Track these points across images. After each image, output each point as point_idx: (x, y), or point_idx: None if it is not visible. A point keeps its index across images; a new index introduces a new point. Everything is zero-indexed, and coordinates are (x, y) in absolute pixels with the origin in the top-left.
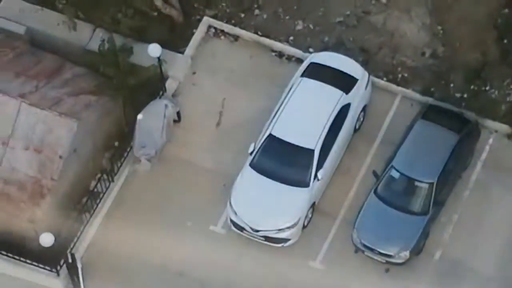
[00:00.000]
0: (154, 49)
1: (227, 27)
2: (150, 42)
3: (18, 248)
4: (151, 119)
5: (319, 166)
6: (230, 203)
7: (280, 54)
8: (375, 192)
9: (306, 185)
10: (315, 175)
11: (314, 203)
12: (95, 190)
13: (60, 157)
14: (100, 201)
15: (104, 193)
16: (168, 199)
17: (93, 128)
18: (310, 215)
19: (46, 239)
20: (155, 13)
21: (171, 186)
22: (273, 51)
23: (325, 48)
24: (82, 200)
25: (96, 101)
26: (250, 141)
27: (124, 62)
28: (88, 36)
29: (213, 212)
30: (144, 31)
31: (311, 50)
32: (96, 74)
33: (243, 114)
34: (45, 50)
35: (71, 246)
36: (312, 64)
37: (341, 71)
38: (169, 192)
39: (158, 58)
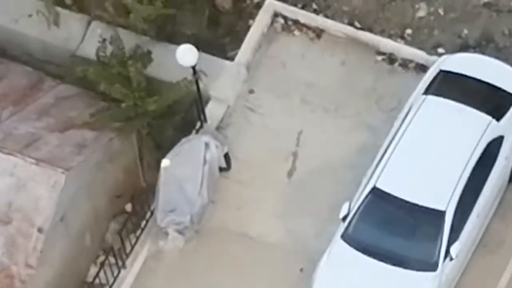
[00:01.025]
0: (187, 54)
1: (304, 16)
2: (179, 42)
3: None
4: (183, 167)
5: (453, 237)
6: None
7: (391, 58)
8: None
9: (433, 267)
10: (447, 252)
11: None
12: (96, 281)
13: (40, 230)
14: None
15: (110, 287)
16: None
17: (91, 183)
18: None
19: None
20: None
21: (217, 274)
22: (379, 53)
23: (464, 47)
24: None
25: (95, 139)
26: (342, 199)
27: (138, 75)
28: (80, 35)
29: None
30: (169, 25)
31: (440, 50)
32: (94, 96)
33: (330, 157)
34: (10, 59)
35: None
36: (442, 74)
37: (490, 84)
38: (215, 284)
39: (193, 68)
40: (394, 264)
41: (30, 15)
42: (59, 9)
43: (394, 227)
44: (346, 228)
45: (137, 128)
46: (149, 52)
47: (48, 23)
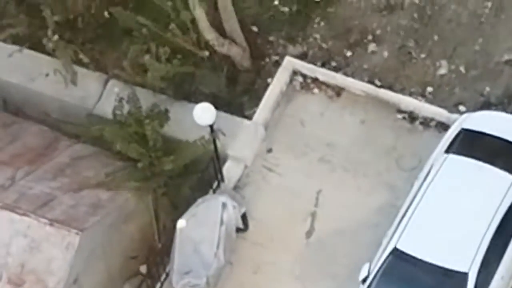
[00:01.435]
0: (204, 113)
1: (323, 74)
2: (197, 101)
3: None
4: (199, 228)
5: None
6: None
7: (411, 116)
8: None
9: None
10: None
11: None
12: None
13: None
14: None
15: None
16: None
17: (106, 244)
18: None
19: None
20: (206, 53)
21: None
22: (399, 111)
23: (486, 105)
24: None
25: (110, 199)
26: (361, 261)
27: (155, 134)
28: (97, 93)
29: None
30: (187, 84)
31: (462, 108)
32: (110, 155)
33: (350, 217)
34: (27, 118)
35: None
36: (464, 132)
37: None
38: None
39: (211, 127)
40: None
41: (47, 74)
42: (76, 67)
43: None
44: None
45: (153, 188)
46: (166, 111)
47: (65, 82)
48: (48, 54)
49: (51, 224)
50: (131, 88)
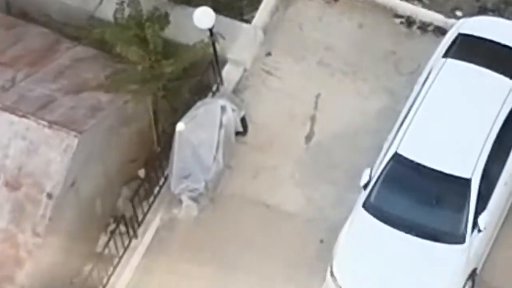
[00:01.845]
0: (204, 16)
1: None
2: (197, 5)
3: None
4: (198, 132)
5: (481, 207)
6: (331, 272)
7: (409, 21)
8: None
9: (459, 240)
10: (475, 223)
11: (474, 271)
12: (105, 252)
13: (49, 196)
14: (113, 272)
15: (120, 258)
16: (228, 268)
17: (104, 147)
18: None
19: None
20: None
21: (233, 243)
22: (397, 16)
23: (482, 10)
24: (84, 269)
25: (110, 102)
26: (362, 166)
27: (155, 37)
28: None
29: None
30: None
31: (458, 13)
32: (110, 58)
33: (349, 121)
34: (28, 21)
35: None
36: (461, 37)
37: (510, 47)
38: (230, 256)
39: (210, 30)
40: (419, 236)
41: None
42: None
43: (417, 195)
44: (368, 197)
45: (153, 91)
46: (167, 14)
47: None
48: None
49: (49, 126)
50: None
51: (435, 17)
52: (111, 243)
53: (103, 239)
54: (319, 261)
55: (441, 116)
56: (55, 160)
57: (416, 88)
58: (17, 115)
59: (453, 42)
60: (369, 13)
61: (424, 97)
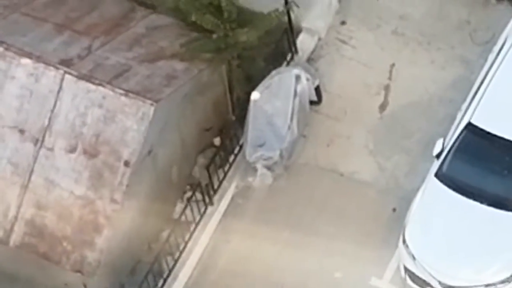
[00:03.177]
0: None
1: None
2: None
3: None
4: (273, 100)
5: None
6: (404, 240)
7: None
8: None
9: None
10: None
11: None
12: (182, 218)
13: (126, 163)
14: (190, 238)
15: (197, 224)
16: (303, 235)
17: (180, 116)
18: None
19: None
20: None
21: (307, 212)
22: None
23: None
24: (161, 235)
25: (185, 70)
26: (435, 135)
27: (230, 5)
28: None
29: (376, 256)
30: None
31: None
32: (185, 26)
33: (424, 91)
34: None
35: None
36: None
37: None
38: (304, 223)
39: None
40: (491, 205)
41: None
42: None
43: (490, 166)
44: (440, 166)
45: (228, 60)
46: None
47: None
48: None
49: (126, 95)
50: None
51: None
52: (188, 209)
53: (180, 206)
54: (391, 229)
55: None
56: (131, 128)
57: (491, 57)
58: (93, 83)
59: None
60: None
61: (498, 67)
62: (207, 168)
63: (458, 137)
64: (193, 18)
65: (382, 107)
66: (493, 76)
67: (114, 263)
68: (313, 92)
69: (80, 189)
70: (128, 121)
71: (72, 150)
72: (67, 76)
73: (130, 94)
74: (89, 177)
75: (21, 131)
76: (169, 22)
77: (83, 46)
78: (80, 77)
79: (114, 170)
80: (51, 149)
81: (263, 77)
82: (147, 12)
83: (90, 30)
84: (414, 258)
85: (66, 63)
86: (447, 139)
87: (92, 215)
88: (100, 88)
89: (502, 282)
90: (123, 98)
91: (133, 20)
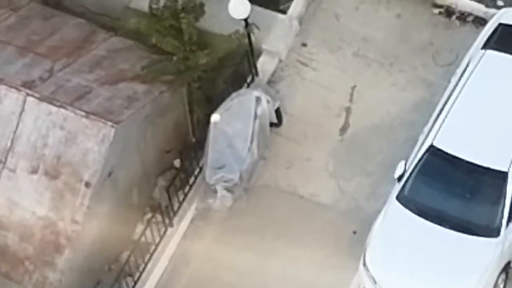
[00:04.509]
0: (239, 7)
1: None
2: None
3: None
4: (233, 123)
5: None
6: (364, 263)
7: (448, 11)
8: None
9: (494, 233)
10: (510, 217)
11: (508, 264)
12: (142, 240)
13: (87, 185)
14: (149, 259)
15: (156, 245)
16: (263, 258)
17: (140, 137)
18: (501, 285)
19: None
20: None
21: (267, 235)
22: (436, 6)
23: None
24: (121, 256)
25: (146, 92)
26: (397, 158)
27: (190, 28)
28: None
29: (336, 279)
30: None
31: (499, 3)
32: (146, 48)
33: (385, 113)
34: (65, 11)
35: None
36: (501, 27)
37: None
38: (263, 246)
39: (246, 21)
40: (452, 228)
41: None
42: None
43: (452, 188)
44: (402, 189)
45: (188, 82)
46: (202, 5)
47: None
48: None
49: (87, 117)
50: None
51: (475, 7)
52: (148, 231)
53: (140, 227)
54: (352, 252)
55: (478, 108)
56: (92, 149)
57: (454, 79)
58: (55, 105)
59: (493, 32)
60: (408, 3)
61: (461, 89)
62: (167, 189)
63: (420, 159)
64: (154, 41)
65: (343, 129)
66: (455, 98)
67: (75, 284)
68: (274, 114)
69: (42, 210)
70: (89, 142)
71: (34, 171)
72: (29, 98)
73: (91, 116)
74: (50, 198)
75: None
76: (130, 44)
77: (45, 69)
78: (42, 99)
79: (75, 191)
80: (13, 170)
81: (223, 99)
82: (108, 35)
83: (52, 52)
84: (374, 281)
85: (28, 85)
86: (408, 162)
87: (54, 235)
88: (62, 110)
89: None
90: (84, 120)
91: (94, 43)
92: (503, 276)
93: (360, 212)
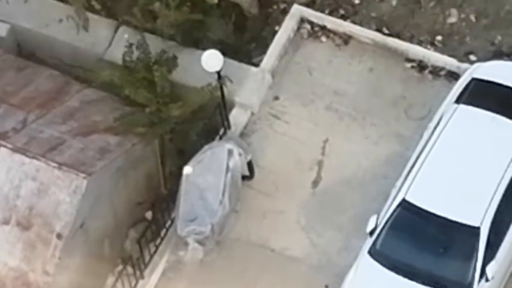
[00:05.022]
0: (212, 60)
1: (331, 21)
2: (205, 48)
3: None
4: (205, 175)
5: (489, 256)
6: None
7: (421, 65)
8: None
9: None
10: (482, 272)
11: None
12: None
13: (59, 236)
14: None
15: None
16: None
17: (112, 189)
18: None
19: None
20: (214, 0)
21: (237, 287)
22: (408, 60)
23: (497, 54)
24: None
25: (118, 144)
26: (369, 212)
27: (163, 80)
28: (107, 39)
29: None
30: (195, 30)
31: (472, 58)
32: (119, 100)
33: (357, 167)
34: (38, 63)
35: None
36: (474, 82)
37: None
38: None
39: (218, 73)
40: (424, 284)
41: (60, 20)
42: (89, 14)
43: (424, 243)
44: (374, 243)
45: (160, 134)
46: (175, 57)
47: (77, 28)
48: (62, 0)
49: (59, 168)
50: (141, 35)
51: (448, 61)
52: (119, 283)
53: (111, 279)
54: None
55: (451, 163)
56: (64, 201)
57: (426, 134)
58: (28, 156)
59: (466, 87)
60: (380, 57)
61: (434, 144)
62: (139, 241)
63: (392, 213)
64: (127, 92)
65: (315, 182)
66: (428, 152)
67: None
68: (246, 167)
69: (14, 261)
70: (61, 194)
71: (6, 222)
72: (2, 149)
73: (63, 167)
74: (22, 249)
75: None
76: (103, 96)
77: (18, 120)
78: (15, 150)
79: (47, 242)
80: None
81: (195, 151)
82: (82, 87)
83: (25, 103)
84: None
85: (1, 136)
86: (380, 216)
87: (25, 287)
88: (34, 161)
89: None
90: (56, 171)
91: (67, 94)
92: None
93: (332, 266)
